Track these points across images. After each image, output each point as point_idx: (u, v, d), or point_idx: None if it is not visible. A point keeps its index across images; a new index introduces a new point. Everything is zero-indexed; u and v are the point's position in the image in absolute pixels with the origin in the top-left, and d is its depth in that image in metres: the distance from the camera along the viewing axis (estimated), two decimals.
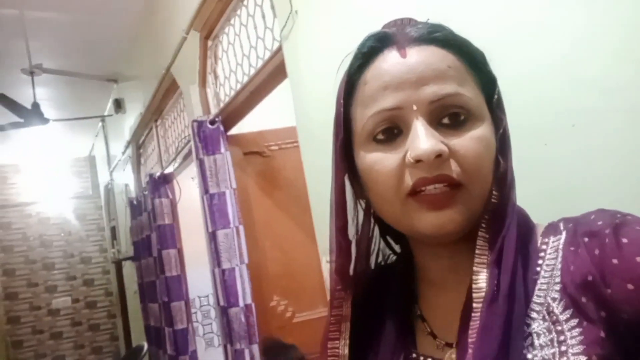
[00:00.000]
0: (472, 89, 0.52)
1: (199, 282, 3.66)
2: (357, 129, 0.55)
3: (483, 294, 0.48)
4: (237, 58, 2.37)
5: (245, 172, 2.50)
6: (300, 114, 1.69)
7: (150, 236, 3.76)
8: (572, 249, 0.49)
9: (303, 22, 1.60)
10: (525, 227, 0.53)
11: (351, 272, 0.59)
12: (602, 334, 0.44)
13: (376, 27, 1.41)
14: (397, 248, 0.65)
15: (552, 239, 0.52)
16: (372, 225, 0.62)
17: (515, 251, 0.49)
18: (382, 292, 0.61)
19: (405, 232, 0.56)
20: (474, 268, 0.50)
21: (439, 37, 0.53)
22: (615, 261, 0.44)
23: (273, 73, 1.93)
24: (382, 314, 0.59)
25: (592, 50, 0.80)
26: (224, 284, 2.35)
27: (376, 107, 0.51)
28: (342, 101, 0.56)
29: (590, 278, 0.46)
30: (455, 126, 0.50)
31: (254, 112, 2.41)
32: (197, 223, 3.03)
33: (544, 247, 0.52)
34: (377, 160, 0.52)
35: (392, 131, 0.52)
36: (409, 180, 0.50)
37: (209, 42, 2.63)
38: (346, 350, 0.56)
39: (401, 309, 0.59)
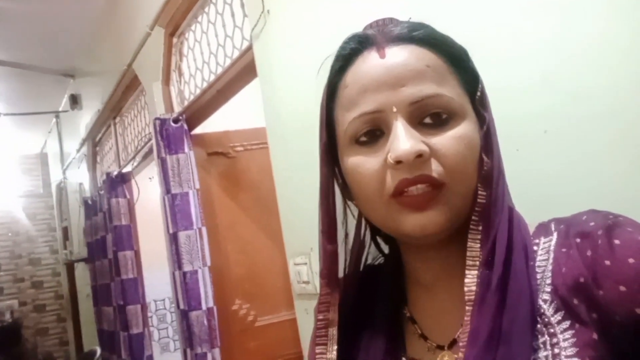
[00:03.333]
0: (452, 87, 0.52)
1: (156, 285, 3.57)
2: (340, 132, 0.55)
3: (473, 295, 0.48)
4: (203, 56, 2.32)
5: (209, 173, 2.45)
6: (270, 115, 1.67)
7: (105, 237, 3.64)
8: (563, 250, 0.48)
9: (275, 22, 1.58)
10: (519, 225, 0.52)
11: (340, 275, 0.58)
12: (595, 336, 0.44)
13: (351, 28, 1.41)
14: (386, 249, 0.64)
15: (542, 239, 0.51)
16: (363, 227, 0.61)
17: (506, 250, 0.48)
18: (371, 294, 0.60)
19: (391, 233, 0.56)
20: (466, 270, 0.49)
21: (419, 35, 0.53)
22: (607, 263, 0.44)
23: (242, 72, 1.90)
24: (371, 317, 0.58)
25: (564, 56, 0.82)
26: (185, 286, 2.29)
27: (357, 110, 0.51)
28: (324, 105, 0.56)
29: (582, 280, 0.45)
30: (437, 125, 0.50)
31: (219, 112, 2.37)
32: (155, 224, 2.95)
33: (534, 247, 0.51)
34: (360, 163, 0.52)
35: (375, 133, 0.51)
36: (391, 182, 0.50)
37: (174, 39, 2.57)
38: (334, 355, 0.55)
39: (391, 311, 0.58)
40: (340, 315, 0.56)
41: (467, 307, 0.48)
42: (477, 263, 0.49)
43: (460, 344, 0.47)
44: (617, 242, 0.45)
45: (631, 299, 0.43)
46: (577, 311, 0.45)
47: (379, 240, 0.64)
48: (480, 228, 0.50)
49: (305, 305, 1.56)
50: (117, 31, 3.32)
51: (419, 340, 0.56)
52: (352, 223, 0.61)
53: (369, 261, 0.64)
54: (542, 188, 0.86)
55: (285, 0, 1.53)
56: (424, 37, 0.53)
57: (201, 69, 2.36)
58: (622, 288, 0.43)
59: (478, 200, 0.50)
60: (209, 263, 2.31)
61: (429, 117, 0.50)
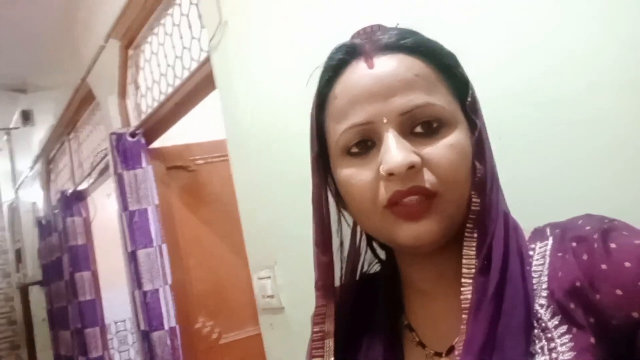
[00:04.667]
0: (442, 95, 0.51)
1: (115, 306, 3.45)
2: (331, 143, 0.54)
3: (469, 303, 0.47)
4: (160, 68, 2.27)
5: (168, 188, 2.38)
6: (230, 127, 1.64)
7: (61, 258, 3.50)
8: (559, 254, 0.48)
9: (233, 33, 1.56)
10: (515, 231, 0.52)
11: (337, 283, 0.58)
12: (592, 340, 0.43)
13: (307, 38, 1.40)
14: (382, 254, 0.64)
15: (538, 244, 0.51)
16: (358, 235, 0.61)
17: (502, 257, 0.48)
18: (368, 302, 0.60)
19: (386, 243, 0.56)
20: (462, 278, 0.49)
21: (407, 43, 0.52)
22: (604, 266, 0.44)
23: (200, 84, 1.86)
24: (369, 325, 0.58)
25: (519, 62, 0.82)
26: (146, 306, 2.21)
27: (347, 122, 0.51)
28: (315, 115, 0.56)
29: (578, 284, 0.45)
30: (428, 134, 0.50)
31: (179, 126, 2.31)
32: (114, 242, 2.85)
33: (530, 252, 0.51)
34: (352, 175, 0.52)
35: (366, 144, 0.51)
36: (384, 194, 0.49)
37: (130, 52, 2.51)
38: None
39: (388, 319, 0.57)
40: (337, 325, 0.56)
41: (463, 315, 0.48)
42: (473, 270, 0.49)
43: (456, 352, 0.47)
44: (613, 245, 0.44)
45: (628, 303, 0.42)
46: (574, 315, 0.45)
47: (375, 245, 0.64)
48: (475, 235, 0.50)
49: (270, 319, 1.52)
50: (71, 44, 3.22)
51: (417, 347, 0.55)
52: (346, 231, 0.61)
53: (365, 267, 0.64)
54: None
55: (242, 12, 1.51)
56: (413, 45, 0.52)
57: (158, 82, 2.31)
58: (619, 292, 0.43)
59: (472, 208, 0.50)
60: (170, 281, 2.24)
61: (420, 126, 0.50)
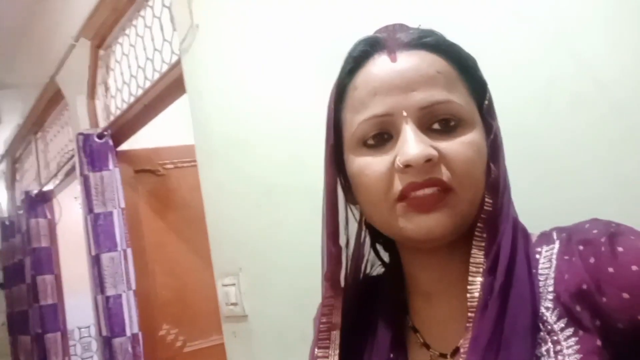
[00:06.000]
0: (462, 95, 0.52)
1: (80, 311, 3.36)
2: (347, 134, 0.54)
3: (476, 302, 0.47)
4: (131, 70, 2.24)
5: (135, 191, 2.34)
6: (199, 131, 1.62)
7: (23, 261, 3.40)
8: (566, 257, 0.48)
9: (204, 36, 1.54)
10: (522, 235, 0.52)
11: (342, 281, 0.57)
12: (599, 343, 0.43)
13: (279, 45, 1.40)
14: (386, 257, 0.63)
15: (545, 248, 0.51)
16: (363, 232, 0.61)
17: (510, 257, 0.48)
18: (372, 303, 0.60)
19: (394, 237, 0.56)
20: (469, 277, 0.49)
21: (430, 42, 0.53)
22: (611, 270, 0.44)
23: (170, 87, 1.84)
24: (372, 326, 0.58)
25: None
26: (108, 312, 2.16)
27: (366, 113, 0.51)
28: (332, 106, 0.56)
29: (584, 287, 0.45)
30: (446, 131, 0.50)
31: (150, 129, 2.28)
32: (79, 246, 2.78)
33: (537, 256, 0.51)
34: (367, 165, 0.51)
35: (383, 136, 0.51)
36: (398, 185, 0.49)
37: (101, 52, 2.46)
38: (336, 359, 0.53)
39: (392, 320, 0.57)
40: (342, 324, 0.55)
41: (469, 315, 0.47)
42: (481, 270, 0.49)
43: (462, 352, 0.47)
44: (620, 249, 0.44)
45: (634, 306, 0.42)
46: (580, 318, 0.45)
47: (379, 248, 0.64)
48: (485, 235, 0.50)
49: (234, 328, 1.50)
50: (40, 42, 3.15)
51: (422, 349, 0.55)
52: (352, 229, 0.61)
53: (368, 269, 0.64)
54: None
55: (214, 16, 1.50)
56: (435, 43, 0.53)
57: (128, 83, 2.27)
58: (626, 295, 0.43)
59: (485, 208, 0.50)
60: (134, 286, 2.20)
61: (438, 123, 0.50)
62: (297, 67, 1.20)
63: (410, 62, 0.51)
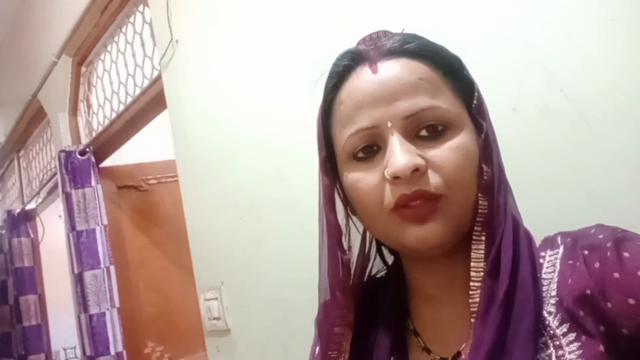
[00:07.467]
0: (447, 98, 0.51)
1: (65, 332, 3.30)
2: (338, 149, 0.55)
3: (477, 308, 0.47)
4: (113, 86, 2.23)
5: (118, 207, 2.32)
6: (179, 146, 1.61)
7: (6, 281, 3.34)
8: (570, 262, 0.48)
9: (183, 51, 1.55)
10: (525, 237, 0.51)
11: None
12: (602, 348, 0.43)
13: (257, 59, 1.39)
14: (390, 260, 0.64)
15: (549, 252, 0.51)
16: (368, 241, 0.61)
17: (512, 261, 0.48)
18: (373, 305, 0.59)
19: (393, 247, 0.56)
20: (470, 282, 0.49)
21: (411, 48, 0.53)
22: (616, 275, 0.44)
23: (152, 102, 1.84)
24: (373, 328, 0.57)
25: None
26: (92, 330, 2.13)
27: (353, 127, 0.52)
28: (321, 122, 0.57)
29: (588, 292, 0.45)
30: (433, 137, 0.50)
31: (133, 145, 2.27)
32: (63, 265, 2.74)
33: (540, 260, 0.51)
34: (359, 179, 0.52)
35: (372, 148, 0.52)
36: (390, 197, 0.50)
37: (83, 68, 2.46)
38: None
39: (393, 323, 0.57)
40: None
41: (472, 320, 0.47)
42: (482, 274, 0.48)
43: (463, 356, 0.47)
44: (626, 254, 0.44)
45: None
46: (584, 323, 0.45)
47: (385, 251, 0.64)
48: (483, 238, 0.50)
49: (217, 342, 1.48)
50: (21, 59, 3.14)
51: (422, 353, 0.55)
52: (354, 237, 0.61)
53: (373, 271, 0.64)
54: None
55: (192, 30, 1.50)
56: (416, 49, 0.53)
57: (110, 100, 2.27)
58: (631, 301, 0.42)
59: (479, 210, 0.50)
60: (117, 304, 2.17)
61: (425, 129, 0.50)
62: (278, 81, 1.21)
63: (391, 71, 0.51)
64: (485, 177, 0.50)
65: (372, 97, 0.51)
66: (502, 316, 0.46)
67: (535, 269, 0.49)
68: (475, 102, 0.53)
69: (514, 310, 0.46)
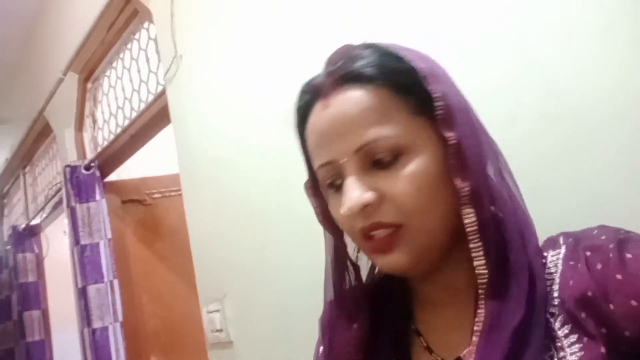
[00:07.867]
0: (399, 121, 0.50)
1: (69, 346, 3.29)
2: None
3: (480, 326, 0.47)
4: (118, 102, 2.27)
5: (123, 221, 2.34)
6: (183, 160, 1.64)
7: (10, 297, 3.34)
8: (571, 263, 0.48)
9: (187, 66, 1.58)
10: (536, 253, 0.50)
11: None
12: (603, 350, 0.43)
13: (260, 72, 1.40)
14: None
15: (551, 252, 0.51)
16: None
17: (514, 276, 0.47)
18: (376, 305, 0.60)
19: None
20: (479, 289, 0.48)
21: (356, 73, 0.52)
22: (619, 277, 0.43)
23: (156, 117, 1.86)
24: (376, 330, 0.58)
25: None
26: (95, 345, 2.13)
27: (317, 162, 0.54)
28: (302, 151, 0.60)
29: (590, 294, 0.45)
30: (388, 165, 0.50)
31: (137, 159, 2.29)
32: (68, 280, 2.75)
33: (543, 261, 0.51)
34: (334, 205, 0.54)
35: (339, 178, 0.53)
36: (356, 228, 0.52)
37: (89, 84, 2.50)
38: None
39: (396, 323, 0.58)
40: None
41: (475, 328, 0.48)
42: (485, 281, 0.48)
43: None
44: (629, 256, 0.44)
45: None
46: (585, 325, 0.44)
47: None
48: (481, 251, 0.48)
49: (219, 355, 1.48)
50: (29, 77, 3.19)
51: (424, 353, 0.55)
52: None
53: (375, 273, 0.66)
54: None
55: (196, 45, 1.53)
56: (366, 72, 0.51)
57: (115, 115, 2.30)
58: (634, 303, 0.42)
59: (465, 221, 0.48)
60: (120, 318, 2.17)
61: (378, 158, 0.51)
62: (281, 94, 1.22)
63: (340, 105, 0.51)
64: (466, 188, 0.48)
65: (326, 134, 0.52)
66: (509, 341, 0.45)
67: (546, 291, 0.48)
68: (439, 112, 0.50)
69: (521, 332, 0.46)
